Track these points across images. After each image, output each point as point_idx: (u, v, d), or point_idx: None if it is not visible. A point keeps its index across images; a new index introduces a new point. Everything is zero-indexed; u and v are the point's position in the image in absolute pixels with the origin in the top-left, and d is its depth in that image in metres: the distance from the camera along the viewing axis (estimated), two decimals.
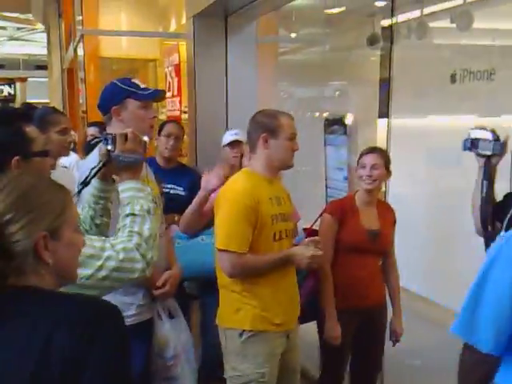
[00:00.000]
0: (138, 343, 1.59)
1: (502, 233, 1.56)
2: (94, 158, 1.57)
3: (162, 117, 5.63)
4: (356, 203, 2.22)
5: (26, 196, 0.88)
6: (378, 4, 3.33)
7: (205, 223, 2.37)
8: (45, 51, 10.97)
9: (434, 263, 2.44)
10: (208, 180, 2.32)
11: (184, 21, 4.19)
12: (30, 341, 0.82)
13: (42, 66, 13.11)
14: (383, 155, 2.20)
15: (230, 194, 1.87)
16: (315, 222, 2.28)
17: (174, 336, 1.85)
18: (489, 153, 1.61)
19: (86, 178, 1.45)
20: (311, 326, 2.26)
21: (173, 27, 5.65)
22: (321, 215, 2.25)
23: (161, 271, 1.87)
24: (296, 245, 1.95)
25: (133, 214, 1.35)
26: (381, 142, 2.58)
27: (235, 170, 2.30)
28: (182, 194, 2.71)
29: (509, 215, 1.56)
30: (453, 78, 2.80)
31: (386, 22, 3.06)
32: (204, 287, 2.52)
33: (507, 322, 1.09)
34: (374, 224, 2.21)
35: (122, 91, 1.73)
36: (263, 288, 1.86)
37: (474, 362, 1.16)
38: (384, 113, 2.73)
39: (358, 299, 2.18)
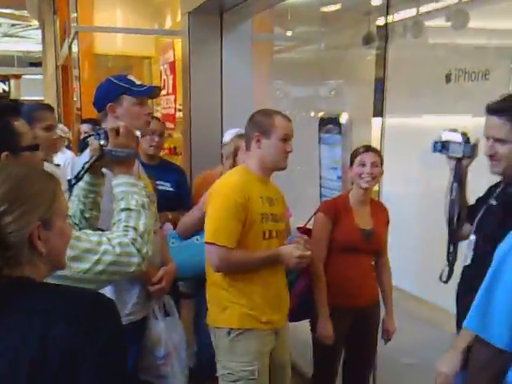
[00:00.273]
0: (127, 344, 1.58)
1: (472, 236, 1.58)
2: (88, 155, 1.56)
3: (157, 114, 5.62)
4: (350, 202, 2.22)
5: (19, 187, 0.88)
6: (374, 3, 3.32)
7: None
8: (39, 48, 10.90)
9: (426, 262, 2.45)
10: None
11: (179, 18, 4.17)
12: (26, 333, 0.82)
13: (36, 63, 13.04)
14: (379, 153, 2.22)
15: (222, 189, 1.88)
16: (309, 221, 2.28)
17: (167, 335, 1.85)
18: (459, 155, 1.62)
19: (79, 172, 1.45)
20: (304, 324, 2.26)
21: (168, 24, 5.62)
22: (315, 214, 2.25)
23: (156, 268, 1.88)
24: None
25: (128, 209, 1.36)
26: (375, 141, 2.58)
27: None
28: (170, 189, 2.71)
29: (476, 219, 1.58)
30: (448, 78, 2.80)
31: (381, 21, 3.05)
32: (198, 287, 2.52)
33: None
34: (367, 223, 2.21)
35: (118, 88, 1.73)
36: (251, 286, 1.87)
37: (487, 358, 1.14)
38: (379, 112, 2.72)
39: (350, 298, 2.18)
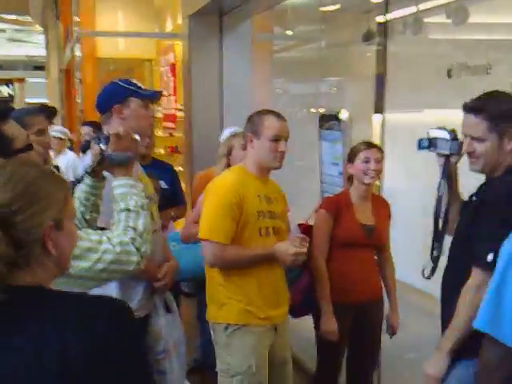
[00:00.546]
0: None
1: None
2: (89, 157, 1.60)
3: (159, 115, 5.64)
4: (351, 198, 2.21)
5: (34, 186, 0.88)
6: (374, 0, 3.32)
7: None
8: (43, 52, 10.98)
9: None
10: None
11: (180, 21, 4.19)
12: (46, 344, 0.81)
13: (40, 67, 13.13)
14: (381, 149, 2.23)
15: (217, 188, 1.91)
16: (310, 217, 2.28)
17: (167, 331, 1.87)
18: (447, 152, 1.62)
19: (82, 176, 1.50)
20: (307, 320, 2.25)
21: (169, 27, 5.65)
22: (316, 211, 2.25)
23: (160, 264, 1.90)
24: None
25: (127, 210, 1.40)
26: (376, 137, 2.57)
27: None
28: (166, 187, 2.75)
29: (455, 224, 1.59)
30: (449, 73, 2.78)
31: (381, 18, 3.05)
32: (201, 286, 2.54)
33: None
34: (368, 219, 2.20)
35: (125, 90, 1.77)
36: (247, 282, 1.89)
37: (499, 358, 1.12)
38: (379, 108, 2.72)
39: (353, 294, 2.17)
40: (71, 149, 4.64)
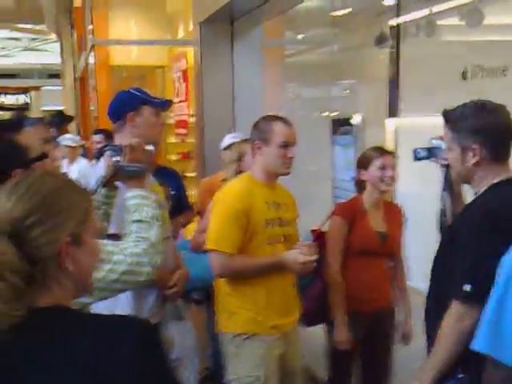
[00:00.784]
0: None
1: None
2: (102, 167, 1.61)
3: (171, 121, 5.66)
4: (364, 205, 2.18)
5: (51, 198, 0.83)
6: (386, 3, 3.29)
7: None
8: (58, 60, 11.14)
9: None
10: None
11: (191, 28, 4.21)
12: (69, 369, 0.77)
13: (55, 75, 13.33)
14: (393, 155, 2.20)
15: (224, 197, 1.91)
16: (323, 223, 2.25)
17: (180, 339, 1.86)
18: (445, 162, 1.59)
19: (98, 187, 1.51)
20: (319, 328, 2.22)
21: (180, 34, 5.69)
22: (329, 217, 2.21)
23: (171, 272, 1.90)
24: None
25: (140, 221, 1.39)
26: (390, 141, 2.54)
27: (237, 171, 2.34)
28: (173, 193, 2.74)
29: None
30: (464, 75, 2.73)
31: (394, 21, 3.02)
32: (210, 294, 2.53)
33: None
34: (381, 226, 2.17)
35: (139, 98, 1.79)
36: (255, 291, 1.88)
37: (501, 380, 1.08)
38: (393, 111, 2.68)
39: (367, 302, 2.14)
40: (84, 155, 4.68)
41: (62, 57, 10.38)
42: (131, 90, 1.83)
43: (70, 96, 9.47)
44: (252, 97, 3.58)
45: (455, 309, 1.34)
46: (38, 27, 10.73)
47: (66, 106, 9.48)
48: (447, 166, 1.59)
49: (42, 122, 2.20)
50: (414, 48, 2.88)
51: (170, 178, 2.81)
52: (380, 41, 3.13)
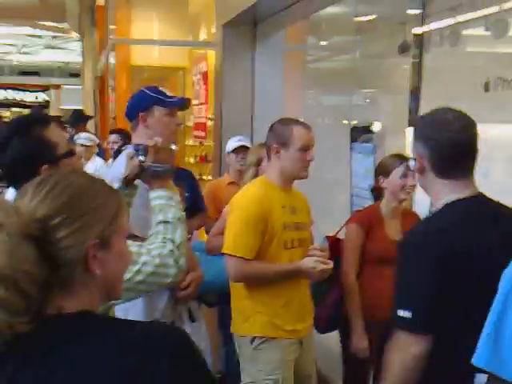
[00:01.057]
0: None
1: None
2: (118, 166, 1.60)
3: (189, 123, 5.69)
4: (381, 213, 2.17)
5: (79, 197, 0.79)
6: (410, 12, 3.27)
7: None
8: (79, 59, 11.26)
9: None
10: None
11: (214, 30, 4.22)
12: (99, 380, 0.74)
13: (75, 74, 13.48)
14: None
15: (241, 201, 1.92)
16: (339, 230, 2.24)
17: (194, 341, 1.84)
18: None
19: (120, 187, 1.49)
20: (332, 334, 2.20)
21: (202, 36, 5.71)
22: (346, 224, 2.20)
23: (184, 273, 1.88)
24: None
25: (165, 222, 1.38)
26: (410, 151, 2.51)
27: (242, 174, 2.34)
28: (187, 194, 2.73)
29: None
30: (486, 87, 2.70)
31: (417, 30, 3.00)
32: (223, 296, 2.52)
33: None
34: (397, 234, 2.15)
35: (150, 98, 1.79)
36: (274, 296, 1.88)
37: None
38: (414, 121, 2.66)
39: (383, 310, 2.10)
40: (100, 154, 4.71)
41: (82, 55, 10.49)
42: (145, 90, 1.82)
43: (90, 95, 9.57)
44: (271, 101, 3.57)
45: (395, 337, 1.29)
46: (60, 25, 10.86)
47: (85, 106, 9.57)
48: None
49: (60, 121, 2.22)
50: (437, 57, 2.86)
51: (184, 179, 2.82)
52: (403, 49, 3.11)
